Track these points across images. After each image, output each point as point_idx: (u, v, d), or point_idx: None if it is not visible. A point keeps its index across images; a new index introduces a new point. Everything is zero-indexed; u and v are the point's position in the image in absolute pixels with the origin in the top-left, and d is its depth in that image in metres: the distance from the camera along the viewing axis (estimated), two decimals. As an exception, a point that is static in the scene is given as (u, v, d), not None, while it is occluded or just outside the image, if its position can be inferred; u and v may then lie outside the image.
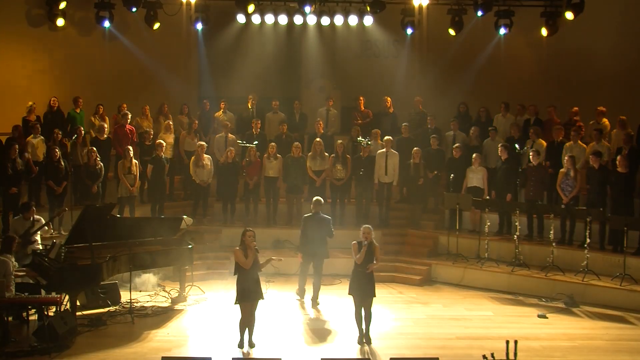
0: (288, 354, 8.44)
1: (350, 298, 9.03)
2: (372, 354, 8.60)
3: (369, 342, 8.88)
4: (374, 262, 8.79)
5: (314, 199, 10.95)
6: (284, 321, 9.90)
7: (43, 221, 10.85)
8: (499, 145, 12.88)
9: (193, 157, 13.43)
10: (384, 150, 13.34)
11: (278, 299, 10.90)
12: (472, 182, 12.91)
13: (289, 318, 10.08)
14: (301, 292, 11.01)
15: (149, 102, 14.65)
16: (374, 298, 8.94)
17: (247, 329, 8.67)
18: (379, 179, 13.37)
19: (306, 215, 10.94)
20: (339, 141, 13.69)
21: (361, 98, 14.90)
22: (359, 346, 8.84)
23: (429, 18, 15.32)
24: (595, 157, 11.78)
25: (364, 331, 8.92)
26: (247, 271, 8.52)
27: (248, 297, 8.56)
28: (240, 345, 8.66)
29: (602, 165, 11.82)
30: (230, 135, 14.14)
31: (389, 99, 14.83)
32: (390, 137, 13.53)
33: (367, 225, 8.90)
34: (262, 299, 8.73)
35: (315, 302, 10.75)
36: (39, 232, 10.65)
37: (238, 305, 8.64)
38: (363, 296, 8.83)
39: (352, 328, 9.43)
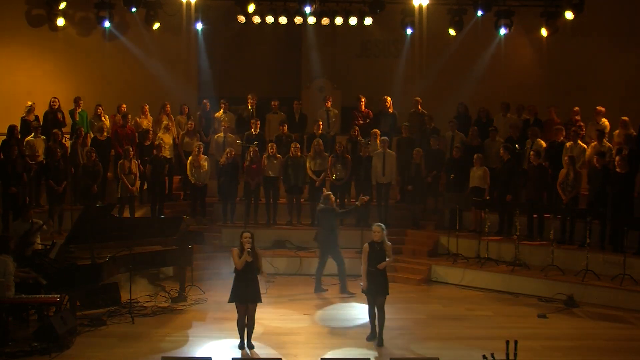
0: (288, 354, 8.45)
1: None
2: (375, 355, 8.59)
3: (380, 344, 8.81)
4: (387, 259, 8.74)
5: (324, 193, 11.52)
6: (284, 321, 9.89)
7: (40, 222, 10.86)
8: (501, 146, 12.88)
9: (190, 158, 13.43)
10: (381, 150, 13.34)
11: (278, 299, 10.90)
12: (473, 182, 12.92)
13: (289, 318, 10.07)
14: (317, 287, 11.36)
15: (149, 102, 14.65)
16: (387, 297, 8.89)
17: (245, 330, 8.67)
18: (376, 180, 13.37)
19: (318, 208, 11.46)
20: (339, 141, 13.71)
21: (362, 98, 14.88)
22: (368, 342, 8.85)
23: (429, 18, 15.31)
24: (600, 157, 11.77)
25: (377, 333, 8.87)
26: (240, 272, 8.55)
27: (239, 297, 8.57)
28: (241, 347, 8.66)
29: (605, 165, 11.82)
30: (229, 135, 14.13)
31: (388, 98, 14.81)
32: (386, 138, 13.54)
33: (377, 224, 8.88)
34: (259, 302, 8.68)
35: (344, 289, 11.20)
36: (38, 234, 10.65)
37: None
38: (375, 294, 8.80)
39: (353, 327, 9.47)
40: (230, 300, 8.62)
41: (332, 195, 11.54)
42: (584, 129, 13.34)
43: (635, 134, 12.48)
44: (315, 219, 13.48)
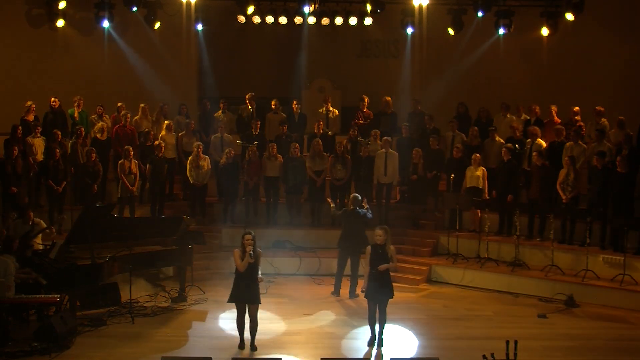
0: (288, 354, 8.44)
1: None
2: (375, 355, 8.59)
3: (380, 344, 8.82)
4: (390, 263, 8.70)
5: (352, 195, 11.30)
6: (284, 321, 9.90)
7: (43, 224, 10.86)
8: (503, 147, 12.88)
9: (190, 158, 13.42)
10: (383, 150, 13.35)
11: (278, 299, 10.89)
12: (471, 182, 12.92)
13: (289, 318, 10.07)
14: (336, 290, 11.19)
15: (149, 102, 14.64)
16: (391, 299, 8.86)
17: (244, 330, 8.64)
18: (378, 179, 13.37)
19: (345, 209, 11.22)
20: (339, 141, 13.71)
21: (365, 98, 14.84)
22: (368, 347, 8.81)
23: (429, 18, 15.31)
24: (599, 157, 11.78)
25: (378, 334, 8.85)
26: (241, 272, 8.53)
27: (237, 298, 8.55)
28: (241, 347, 8.64)
29: (605, 165, 11.82)
30: (227, 135, 14.12)
31: (388, 98, 14.82)
32: (388, 138, 13.53)
33: (380, 227, 8.83)
34: (259, 303, 8.62)
35: (353, 294, 10.95)
36: (39, 235, 10.65)
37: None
38: (379, 297, 8.74)
39: (353, 328, 9.49)
40: (230, 301, 8.61)
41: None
42: (584, 129, 13.33)
43: (632, 133, 12.47)
44: (314, 219, 13.54)
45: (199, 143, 13.54)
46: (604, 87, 15.05)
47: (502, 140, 13.40)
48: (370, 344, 8.86)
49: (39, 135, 12.91)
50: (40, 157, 12.72)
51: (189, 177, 13.37)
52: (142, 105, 14.41)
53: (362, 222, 11.13)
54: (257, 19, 14.88)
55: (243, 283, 8.52)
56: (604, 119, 13.33)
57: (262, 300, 8.75)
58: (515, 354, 6.14)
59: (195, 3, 14.94)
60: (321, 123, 14.15)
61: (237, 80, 16.26)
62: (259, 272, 8.68)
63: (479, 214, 12.72)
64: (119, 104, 14.15)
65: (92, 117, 14.09)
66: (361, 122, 14.54)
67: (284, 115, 14.73)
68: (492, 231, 12.57)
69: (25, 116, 13.34)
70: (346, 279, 11.30)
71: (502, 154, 12.82)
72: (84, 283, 9.33)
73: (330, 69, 16.74)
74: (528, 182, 12.65)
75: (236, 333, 8.74)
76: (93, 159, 12.81)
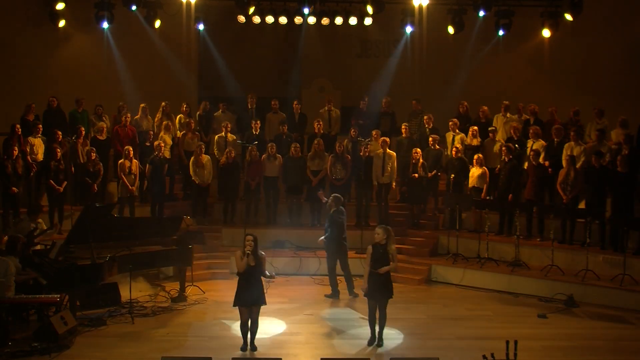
0: (288, 354, 8.44)
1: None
2: (375, 355, 8.59)
3: (380, 344, 8.82)
4: (390, 264, 8.70)
5: (332, 196, 11.17)
6: (284, 321, 9.90)
7: (44, 225, 10.86)
8: (502, 147, 12.88)
9: (192, 157, 13.43)
10: (381, 150, 13.35)
11: (278, 299, 10.90)
12: (472, 183, 12.92)
13: (289, 318, 10.07)
14: (334, 292, 11.09)
15: (149, 102, 14.65)
16: (390, 299, 8.86)
17: (247, 333, 8.61)
18: (377, 180, 13.37)
19: (329, 213, 11.11)
20: (339, 141, 13.71)
21: (366, 97, 14.83)
22: (369, 347, 8.81)
23: (429, 18, 15.33)
24: (597, 157, 11.78)
25: (378, 334, 8.85)
26: (243, 274, 8.52)
27: (241, 301, 8.53)
28: (243, 349, 8.62)
29: (603, 165, 11.81)
30: (229, 135, 14.14)
31: (388, 98, 14.82)
32: (386, 138, 13.54)
33: (379, 227, 8.84)
34: (263, 304, 8.61)
35: (352, 292, 10.91)
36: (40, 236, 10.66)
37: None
38: (379, 297, 8.75)
39: (353, 328, 9.49)
40: (235, 304, 8.57)
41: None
42: (584, 129, 13.33)
43: (632, 133, 12.46)
44: (314, 219, 13.52)
45: (201, 143, 13.57)
46: (604, 87, 15.05)
47: (502, 140, 13.40)
48: (370, 343, 8.86)
49: (39, 135, 12.90)
50: (40, 157, 12.72)
51: (194, 178, 13.38)
52: (142, 105, 14.42)
53: (344, 222, 11.11)
54: (257, 19, 14.90)
55: (245, 286, 8.50)
56: (604, 119, 13.33)
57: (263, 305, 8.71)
58: (515, 354, 6.13)
59: (195, 3, 14.96)
60: (321, 123, 14.16)
61: (237, 80, 16.26)
62: (272, 272, 8.75)
63: (480, 214, 12.71)
64: (120, 104, 14.15)
65: (93, 116, 14.10)
66: (360, 122, 14.54)
67: (284, 115, 14.74)
68: (492, 231, 12.57)
69: (25, 116, 13.34)
70: (341, 278, 11.28)
71: (502, 154, 12.82)
72: (84, 283, 9.32)
73: (330, 69, 16.75)
74: (525, 182, 12.64)
75: (237, 332, 8.73)
76: (93, 159, 12.82)
